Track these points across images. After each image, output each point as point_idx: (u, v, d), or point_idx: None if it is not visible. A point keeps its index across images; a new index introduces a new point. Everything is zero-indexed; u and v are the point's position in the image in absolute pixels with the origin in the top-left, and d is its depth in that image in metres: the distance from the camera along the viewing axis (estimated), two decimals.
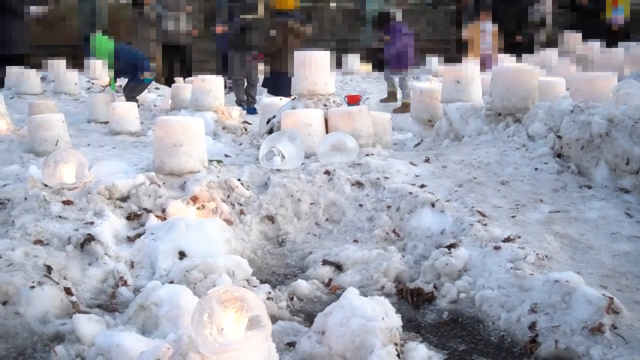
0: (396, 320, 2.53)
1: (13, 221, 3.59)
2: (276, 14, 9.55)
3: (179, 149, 4.25)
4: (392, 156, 4.89)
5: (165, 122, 4.40)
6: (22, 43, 11.99)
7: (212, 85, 7.45)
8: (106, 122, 8.12)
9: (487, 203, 3.93)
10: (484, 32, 12.53)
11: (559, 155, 4.49)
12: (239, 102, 9.76)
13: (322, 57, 5.34)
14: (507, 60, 11.21)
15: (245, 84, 10.01)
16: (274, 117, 5.68)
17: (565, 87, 6.01)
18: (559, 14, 15.78)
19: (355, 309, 2.50)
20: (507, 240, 3.31)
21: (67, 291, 3.01)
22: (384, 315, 2.49)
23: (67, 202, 3.80)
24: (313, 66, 5.30)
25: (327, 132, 5.02)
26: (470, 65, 6.11)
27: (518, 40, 14.49)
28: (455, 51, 14.67)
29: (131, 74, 9.04)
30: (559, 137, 4.51)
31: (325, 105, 5.35)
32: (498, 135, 5.10)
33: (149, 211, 3.88)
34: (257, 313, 2.19)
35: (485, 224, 3.53)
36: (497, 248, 3.22)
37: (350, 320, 2.45)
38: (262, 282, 3.26)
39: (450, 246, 3.39)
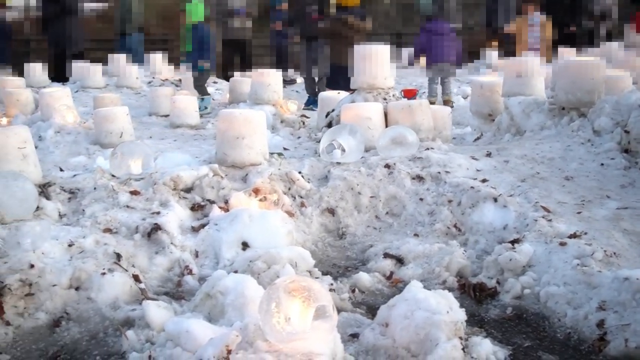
0: (461, 314, 2.51)
1: (83, 210, 3.72)
2: (338, 10, 9.54)
3: (241, 141, 4.31)
4: (453, 150, 4.85)
5: (228, 115, 4.47)
6: (80, 40, 12.33)
7: (271, 79, 7.52)
8: (167, 115, 8.29)
9: (552, 198, 3.86)
10: (532, 25, 12.18)
11: (626, 151, 4.38)
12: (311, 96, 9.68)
13: (382, 51, 5.33)
14: (567, 53, 10.92)
15: (317, 79, 9.96)
16: (333, 110, 5.69)
17: (632, 81, 5.83)
18: (624, 5, 15.25)
19: (419, 302, 2.49)
20: (573, 236, 3.24)
21: (136, 278, 3.10)
22: (448, 308, 2.48)
23: (134, 192, 3.91)
24: (373, 60, 5.29)
25: (386, 126, 5.01)
26: (532, 59, 5.98)
27: (572, 31, 14.03)
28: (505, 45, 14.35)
29: (192, 57, 9.01)
30: (627, 132, 4.39)
31: (384, 99, 5.34)
32: (562, 129, 4.99)
33: (212, 202, 3.95)
34: (323, 303, 2.22)
35: (550, 220, 3.47)
36: (562, 244, 3.16)
37: (415, 313, 2.45)
38: (323, 274, 3.29)
39: (514, 241, 3.35)
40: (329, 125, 5.53)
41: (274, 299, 2.21)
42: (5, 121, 7.59)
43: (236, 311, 2.66)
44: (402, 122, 4.92)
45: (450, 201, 3.98)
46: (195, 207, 3.94)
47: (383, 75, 5.37)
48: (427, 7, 10.14)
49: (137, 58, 12.79)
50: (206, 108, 8.62)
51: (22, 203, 3.42)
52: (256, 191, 4.00)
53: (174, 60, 13.70)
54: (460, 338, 2.40)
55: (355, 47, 5.55)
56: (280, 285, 2.24)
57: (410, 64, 12.57)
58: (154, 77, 12.13)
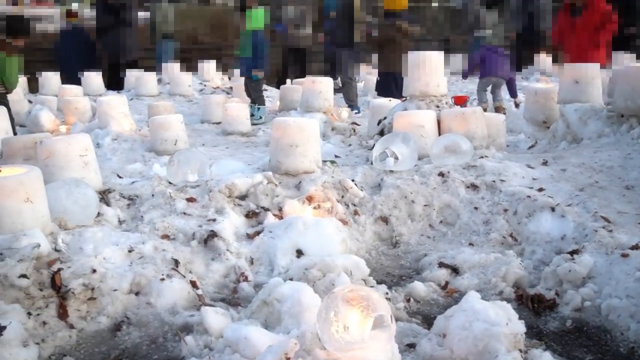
0: (520, 326, 2.47)
1: (142, 216, 3.80)
2: (386, 15, 9.51)
3: (294, 149, 4.35)
4: (507, 158, 4.79)
5: (282, 123, 4.51)
6: (134, 49, 12.63)
7: (323, 86, 7.55)
8: (219, 123, 8.40)
9: (611, 208, 3.77)
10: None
11: None
12: (349, 102, 9.73)
13: (435, 58, 5.31)
14: (622, 58, 10.64)
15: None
16: (385, 118, 5.69)
17: None
18: None
19: (477, 313, 2.46)
20: (636, 247, 3.16)
21: (193, 284, 3.15)
22: (507, 320, 2.44)
23: (190, 200, 3.97)
24: (426, 67, 5.27)
25: (439, 134, 4.98)
26: (590, 65, 5.86)
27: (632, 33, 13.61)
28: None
29: (246, 65, 9.05)
30: None
31: (437, 107, 5.31)
32: (621, 137, 4.88)
33: (266, 210, 3.99)
34: (381, 313, 2.22)
35: (611, 230, 3.39)
36: (624, 255, 3.08)
37: (473, 324, 2.43)
38: (377, 282, 3.29)
39: (573, 252, 3.28)
40: (381, 133, 5.52)
41: (332, 308, 2.22)
42: (64, 129, 7.83)
43: (293, 319, 2.68)
44: (455, 130, 4.88)
45: (505, 210, 3.93)
46: (249, 215, 3.98)
47: (436, 82, 5.34)
48: (492, 37, 10.09)
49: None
50: (260, 117, 8.69)
51: (84, 209, 3.52)
52: (310, 199, 4.02)
53: (224, 68, 13.89)
54: (520, 350, 2.37)
55: (409, 54, 5.53)
56: (338, 294, 2.24)
57: (465, 77, 12.39)
58: (205, 85, 12.32)
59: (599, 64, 5.96)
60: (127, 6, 12.34)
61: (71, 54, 11.72)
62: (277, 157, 4.40)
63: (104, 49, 13.16)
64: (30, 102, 9.71)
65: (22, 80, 11.22)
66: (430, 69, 5.29)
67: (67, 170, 3.81)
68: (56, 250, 3.11)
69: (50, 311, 2.79)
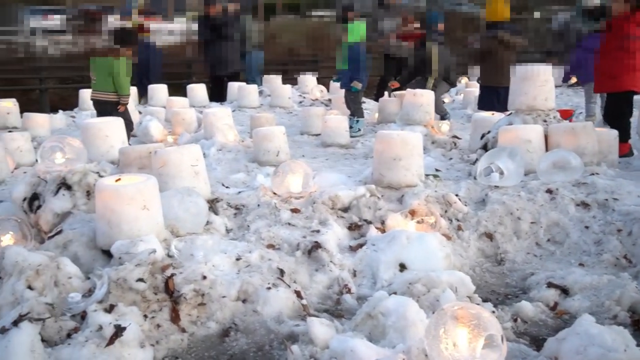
0: (638, 353, 2.36)
1: (248, 226, 3.91)
2: (488, 26, 9.31)
3: (398, 162, 4.34)
4: (621, 176, 4.58)
5: (386, 136, 4.52)
6: (235, 62, 12.98)
7: (424, 99, 7.49)
8: (318, 134, 8.49)
9: None
10: None
11: None
12: (439, 113, 9.57)
13: (543, 71, 5.15)
14: None
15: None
16: (489, 132, 5.57)
17: None
18: None
19: (592, 337, 2.37)
20: None
21: (298, 294, 3.20)
22: (625, 346, 2.34)
23: (294, 210, 4.05)
24: (534, 80, 5.12)
25: (547, 149, 4.83)
26: None
27: None
28: None
29: (346, 77, 9.11)
30: None
31: (544, 121, 5.14)
32: None
33: (369, 222, 4.01)
34: (492, 332, 2.18)
35: None
36: None
37: (588, 349, 2.34)
38: (482, 300, 3.22)
39: None
40: (484, 147, 5.41)
41: (442, 325, 2.20)
42: (172, 139, 8.17)
43: (397, 333, 2.67)
44: (564, 146, 4.72)
45: (619, 230, 3.76)
46: (352, 227, 4.01)
47: (543, 96, 5.18)
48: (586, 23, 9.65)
49: (252, 77, 13.23)
50: (359, 130, 8.73)
51: (195, 217, 3.65)
52: (412, 213, 4.00)
53: (323, 80, 14.06)
54: None
55: (517, 67, 5.39)
56: (448, 311, 2.22)
57: (565, 81, 11.96)
58: (304, 97, 12.51)
59: None
60: (229, 22, 12.73)
61: (141, 68, 12.25)
62: (380, 170, 4.41)
63: (206, 62, 13.65)
64: (140, 112, 10.18)
65: (133, 91, 11.85)
66: (538, 83, 5.14)
67: (179, 179, 3.97)
68: (169, 256, 3.25)
69: (164, 315, 2.91)
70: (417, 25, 9.03)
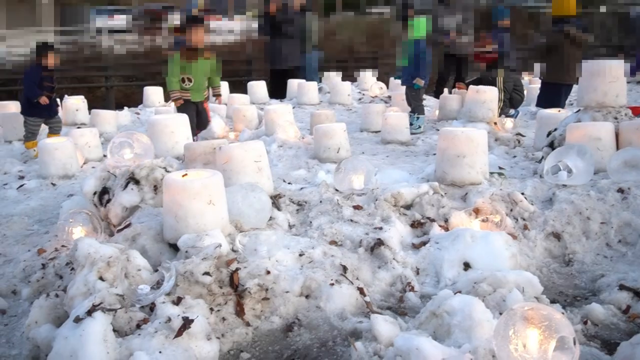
0: None
1: (311, 222, 3.92)
2: (554, 22, 9.08)
3: (462, 160, 4.28)
4: None
5: (450, 133, 4.46)
6: (293, 57, 13.04)
7: (487, 96, 7.36)
8: (377, 131, 8.45)
9: None
10: None
11: None
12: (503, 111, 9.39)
13: (615, 67, 4.98)
14: None
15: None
16: (556, 129, 5.43)
17: None
18: None
19: None
20: None
21: (361, 291, 3.19)
22: None
23: (357, 207, 4.04)
24: (605, 76, 4.96)
25: (618, 147, 4.67)
26: None
27: None
28: None
29: (407, 74, 9.02)
30: None
31: (615, 118, 4.98)
32: None
33: (432, 220, 3.96)
34: (564, 335, 2.12)
35: None
36: None
37: None
38: (550, 302, 3.13)
39: None
40: (551, 145, 5.28)
41: (511, 325, 2.16)
42: (233, 135, 8.28)
43: (463, 333, 2.63)
44: (636, 144, 4.56)
45: None
46: (414, 224, 3.97)
47: (614, 92, 5.01)
48: None
49: (311, 76, 13.23)
50: (420, 127, 8.64)
51: (259, 213, 3.69)
52: (477, 211, 3.93)
53: (382, 77, 14.00)
54: None
55: (584, 62, 5.24)
56: (518, 311, 2.18)
57: (632, 74, 11.55)
58: (364, 94, 12.48)
59: None
60: (290, 19, 12.81)
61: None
62: (443, 168, 4.36)
63: (265, 59, 13.79)
64: None
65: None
66: (609, 79, 4.97)
67: (242, 175, 4.01)
68: (233, 250, 3.29)
69: (229, 308, 2.95)
70: (495, 46, 8.84)
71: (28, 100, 7.71)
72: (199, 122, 7.54)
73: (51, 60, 7.57)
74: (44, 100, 7.53)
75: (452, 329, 2.67)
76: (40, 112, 7.74)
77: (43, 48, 7.61)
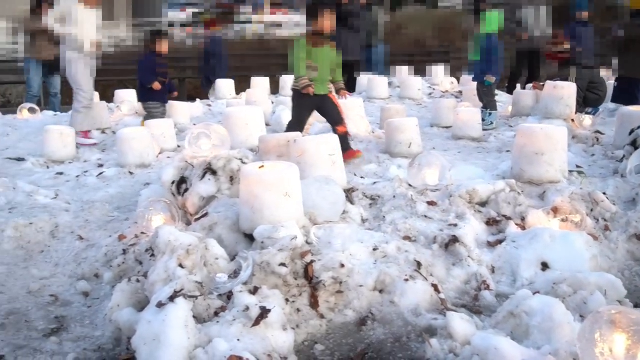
0: None
1: (384, 216, 3.90)
2: (632, 15, 8.72)
3: (540, 157, 4.18)
4: None
5: (528, 130, 4.36)
6: (354, 51, 12.98)
7: (565, 92, 7.15)
8: (449, 127, 8.34)
9: None
10: None
11: None
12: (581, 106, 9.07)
13: None
14: None
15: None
16: (639, 127, 5.22)
17: None
18: None
19: None
20: None
21: (435, 288, 3.15)
22: None
23: (431, 203, 4.00)
24: None
25: None
26: None
27: None
28: None
29: (479, 67, 8.83)
30: None
31: None
32: None
33: (508, 218, 3.88)
34: None
35: None
36: None
37: None
38: (634, 306, 3.03)
39: None
40: (633, 143, 5.08)
41: (597, 328, 2.09)
42: None
43: (542, 334, 2.57)
44: None
45: None
46: (490, 222, 3.90)
47: None
48: None
49: (379, 70, 13.08)
50: (492, 123, 8.47)
51: (333, 206, 3.70)
52: (555, 210, 3.83)
53: (453, 72, 13.80)
54: None
55: None
56: (604, 314, 2.11)
57: None
58: (434, 89, 12.34)
59: None
60: (356, 13, 12.75)
61: (211, 62, 12.62)
62: (521, 165, 4.26)
63: None
64: (272, 102, 10.46)
65: (265, 80, 12.21)
66: None
67: (316, 168, 4.04)
68: (307, 242, 3.31)
69: (304, 300, 2.97)
70: (567, 45, 8.58)
71: (143, 87, 8.15)
72: (331, 118, 6.44)
73: (164, 47, 7.92)
74: (156, 85, 7.93)
75: (530, 329, 2.61)
76: (156, 97, 8.15)
77: (156, 34, 7.96)
